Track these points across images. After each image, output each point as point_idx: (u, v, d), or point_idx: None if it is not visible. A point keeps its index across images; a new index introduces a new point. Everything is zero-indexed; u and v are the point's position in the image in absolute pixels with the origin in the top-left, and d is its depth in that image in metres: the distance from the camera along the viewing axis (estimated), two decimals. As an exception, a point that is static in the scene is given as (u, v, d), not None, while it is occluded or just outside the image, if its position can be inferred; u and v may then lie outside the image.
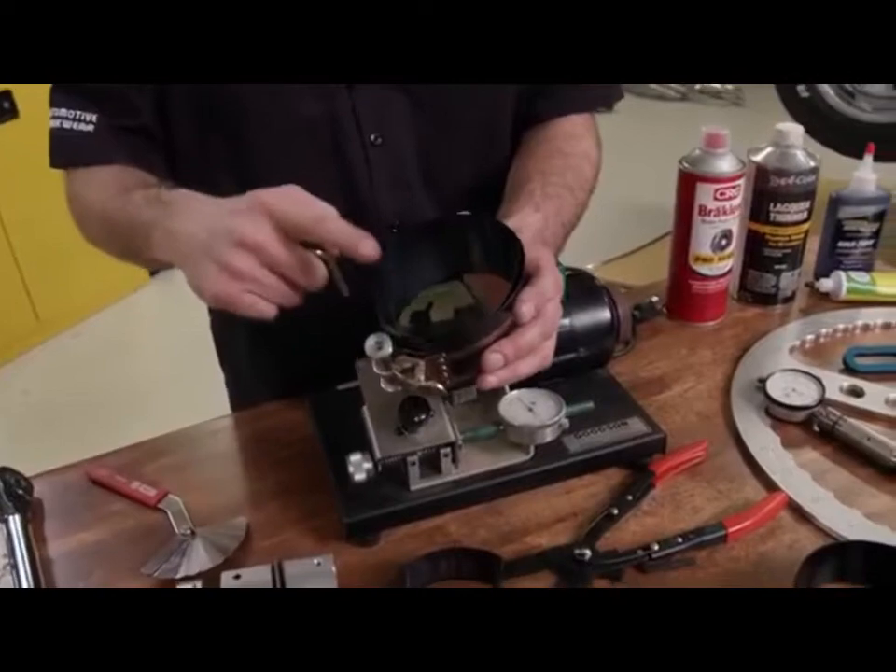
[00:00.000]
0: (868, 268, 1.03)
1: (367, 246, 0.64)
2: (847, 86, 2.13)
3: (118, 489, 0.81)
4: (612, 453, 0.75)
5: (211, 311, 1.06)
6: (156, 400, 2.38)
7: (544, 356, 0.69)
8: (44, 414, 2.41)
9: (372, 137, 0.86)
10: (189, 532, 0.75)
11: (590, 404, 0.75)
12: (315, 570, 0.67)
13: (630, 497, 0.74)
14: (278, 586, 0.66)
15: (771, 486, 0.76)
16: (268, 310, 0.66)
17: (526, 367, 0.67)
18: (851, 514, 0.72)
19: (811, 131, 2.31)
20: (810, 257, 1.05)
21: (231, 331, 1.04)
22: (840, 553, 0.65)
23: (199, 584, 0.67)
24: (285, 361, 0.98)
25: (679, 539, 0.69)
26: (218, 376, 1.15)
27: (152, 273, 2.92)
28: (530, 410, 0.73)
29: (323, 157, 0.86)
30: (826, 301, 1.02)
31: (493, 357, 0.65)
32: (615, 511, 0.72)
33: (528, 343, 0.67)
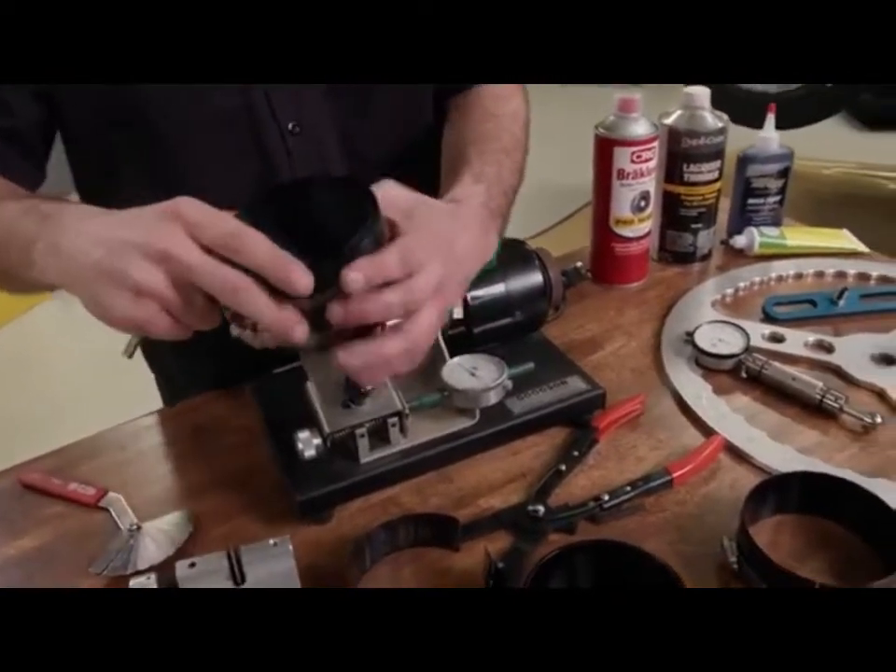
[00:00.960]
0: (777, 223, 1.08)
1: (298, 275, 0.52)
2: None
3: (54, 492, 0.78)
4: (555, 411, 0.77)
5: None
6: (76, 413, 2.29)
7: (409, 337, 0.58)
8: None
9: (290, 126, 0.84)
10: (134, 527, 0.73)
11: (531, 365, 0.76)
12: (273, 552, 0.66)
13: (576, 453, 0.76)
14: (235, 571, 0.65)
15: (708, 431, 0.79)
16: (185, 333, 0.57)
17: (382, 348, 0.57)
18: (784, 450, 0.76)
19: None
20: (723, 216, 1.09)
21: None
22: (779, 485, 0.68)
23: (152, 578, 0.65)
24: (216, 352, 0.95)
25: (628, 488, 0.71)
26: (139, 384, 1.12)
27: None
28: (473, 374, 0.73)
29: (242, 149, 0.84)
30: (740, 256, 1.06)
31: (335, 311, 0.56)
32: (563, 468, 0.74)
33: (376, 311, 0.56)
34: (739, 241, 1.05)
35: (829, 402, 0.79)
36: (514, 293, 0.80)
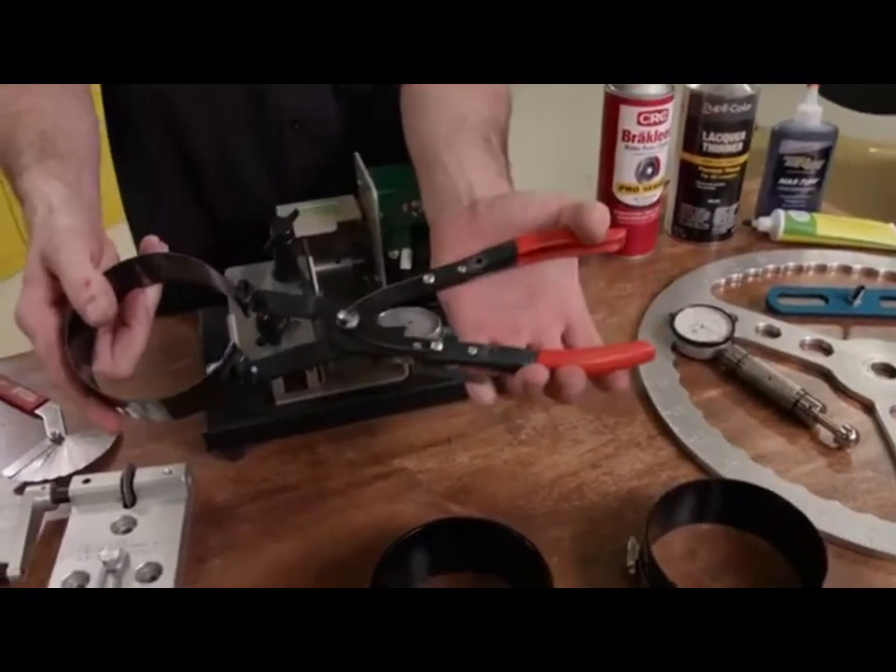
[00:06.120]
0: (812, 209, 0.98)
1: (90, 309, 0.52)
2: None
3: (-1, 393, 0.79)
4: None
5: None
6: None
7: None
8: None
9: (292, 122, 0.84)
10: (57, 437, 0.73)
11: (470, 327, 0.71)
12: (166, 479, 0.65)
13: (507, 425, 0.71)
14: (125, 492, 0.64)
15: (660, 424, 0.72)
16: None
17: None
18: (735, 454, 0.69)
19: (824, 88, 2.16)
20: (753, 196, 1.00)
21: None
22: (700, 491, 0.62)
23: (46, 489, 0.65)
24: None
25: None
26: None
27: None
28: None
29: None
30: (764, 241, 0.97)
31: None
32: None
33: None
34: (763, 223, 0.96)
35: (802, 408, 0.72)
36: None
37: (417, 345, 0.52)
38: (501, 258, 0.53)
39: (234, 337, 0.69)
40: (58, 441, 0.73)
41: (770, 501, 0.60)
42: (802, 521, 0.58)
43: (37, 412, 0.76)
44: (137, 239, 0.92)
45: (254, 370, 0.52)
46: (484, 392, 0.51)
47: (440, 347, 0.51)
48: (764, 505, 0.60)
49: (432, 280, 0.54)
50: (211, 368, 0.53)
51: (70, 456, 0.71)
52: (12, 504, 0.66)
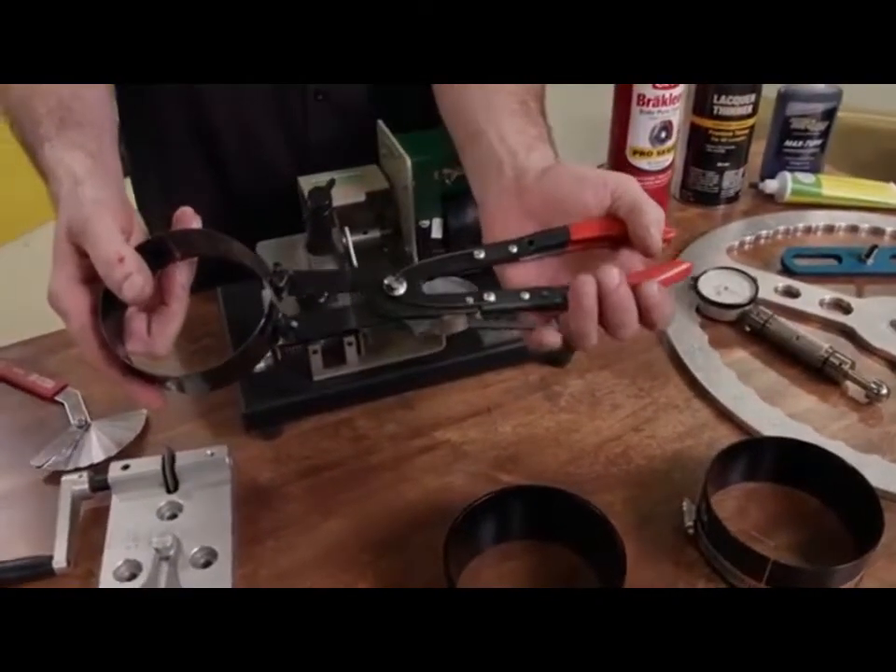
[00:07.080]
0: (815, 170, 0.99)
1: (126, 286, 0.49)
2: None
3: (14, 381, 0.76)
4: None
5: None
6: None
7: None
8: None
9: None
10: (84, 424, 0.71)
11: (506, 295, 0.71)
12: (208, 461, 0.63)
13: (546, 393, 0.71)
14: (168, 477, 0.63)
15: (695, 386, 0.73)
16: None
17: None
18: (773, 413, 0.70)
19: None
20: (757, 159, 1.01)
21: None
22: (752, 449, 0.62)
23: (84, 477, 0.63)
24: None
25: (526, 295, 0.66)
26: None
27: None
28: (442, 299, 0.69)
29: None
30: (770, 202, 0.98)
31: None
32: (529, 407, 0.69)
33: None
34: (770, 185, 0.97)
35: (832, 366, 0.73)
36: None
37: (469, 300, 0.52)
38: (553, 243, 0.53)
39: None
40: (84, 427, 0.70)
41: (823, 458, 0.60)
42: (856, 477, 0.58)
43: (57, 398, 0.74)
44: (144, 209, 0.89)
45: (294, 324, 0.52)
46: (547, 335, 0.51)
47: (492, 298, 0.52)
48: (816, 462, 0.61)
49: (482, 255, 0.54)
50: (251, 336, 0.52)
51: (100, 443, 0.69)
52: (38, 494, 0.65)
